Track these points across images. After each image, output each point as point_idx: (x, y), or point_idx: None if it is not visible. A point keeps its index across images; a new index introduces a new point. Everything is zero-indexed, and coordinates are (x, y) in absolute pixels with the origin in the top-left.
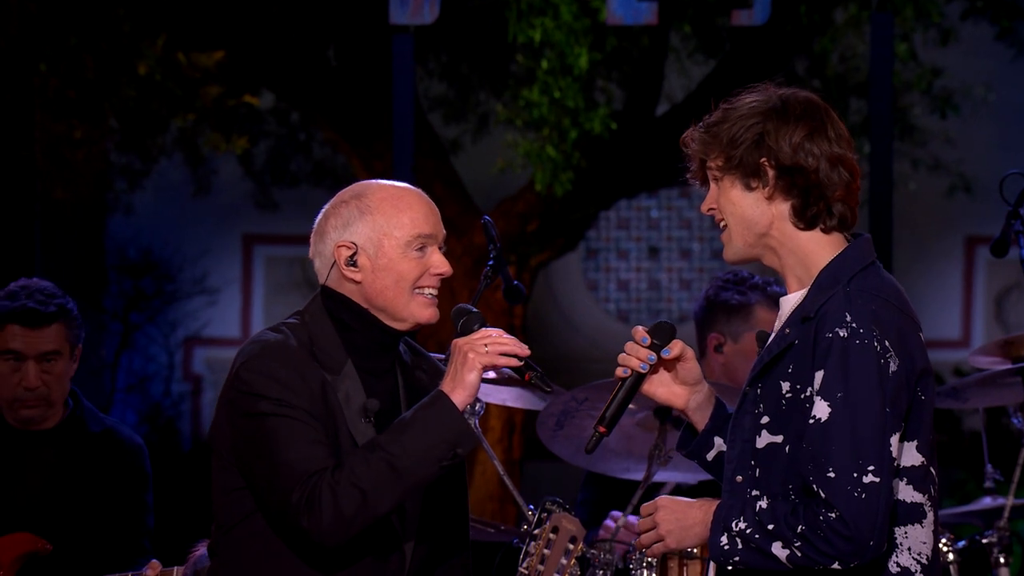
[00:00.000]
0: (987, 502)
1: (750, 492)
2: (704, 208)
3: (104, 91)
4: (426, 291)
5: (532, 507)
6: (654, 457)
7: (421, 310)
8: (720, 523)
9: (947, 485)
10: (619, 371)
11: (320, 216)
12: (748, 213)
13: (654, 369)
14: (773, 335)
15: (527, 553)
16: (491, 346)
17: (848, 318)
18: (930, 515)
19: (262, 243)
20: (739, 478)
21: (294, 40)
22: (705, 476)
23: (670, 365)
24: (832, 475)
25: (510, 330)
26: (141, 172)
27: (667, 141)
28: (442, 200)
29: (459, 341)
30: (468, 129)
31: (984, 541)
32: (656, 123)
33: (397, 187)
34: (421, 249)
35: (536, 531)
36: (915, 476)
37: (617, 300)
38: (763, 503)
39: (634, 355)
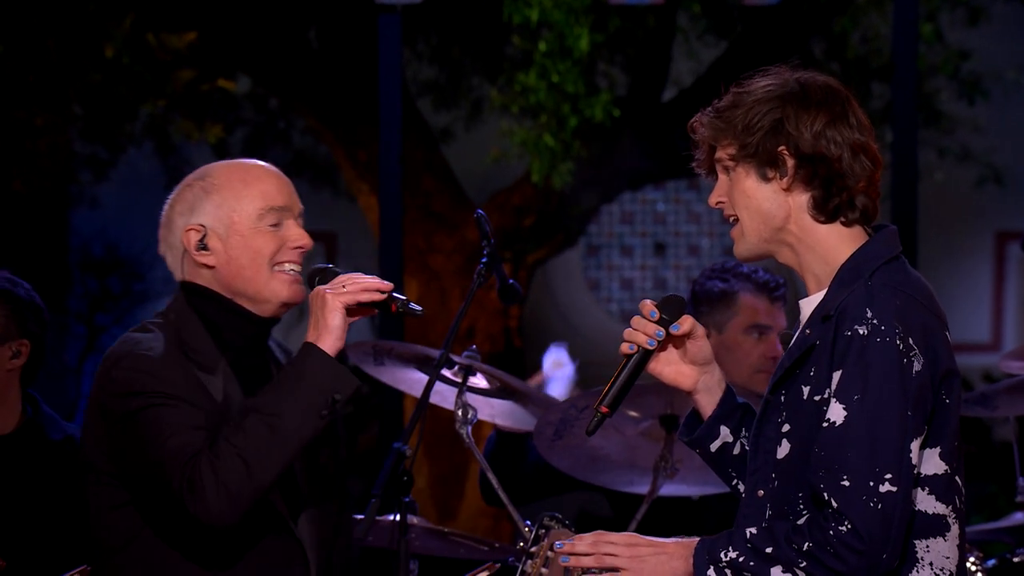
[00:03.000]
0: (1019, 518)
1: (768, 509)
2: (712, 201)
3: (68, 75)
4: (287, 267)
5: (529, 523)
6: (660, 469)
7: (283, 287)
8: (705, 555)
9: (976, 500)
10: (624, 347)
11: (165, 207)
12: (763, 205)
13: (662, 346)
14: (794, 338)
15: (523, 572)
16: (349, 285)
17: (869, 314)
18: (954, 528)
19: None
20: (760, 492)
21: (272, 20)
22: (714, 489)
23: (679, 342)
24: (846, 483)
25: (505, 332)
26: (107, 162)
27: (674, 129)
28: (432, 193)
29: (316, 289)
30: (460, 116)
31: (1016, 560)
32: (662, 110)
33: (243, 162)
34: (276, 224)
35: (533, 549)
36: (938, 485)
37: (620, 300)
38: (753, 529)
39: (641, 330)
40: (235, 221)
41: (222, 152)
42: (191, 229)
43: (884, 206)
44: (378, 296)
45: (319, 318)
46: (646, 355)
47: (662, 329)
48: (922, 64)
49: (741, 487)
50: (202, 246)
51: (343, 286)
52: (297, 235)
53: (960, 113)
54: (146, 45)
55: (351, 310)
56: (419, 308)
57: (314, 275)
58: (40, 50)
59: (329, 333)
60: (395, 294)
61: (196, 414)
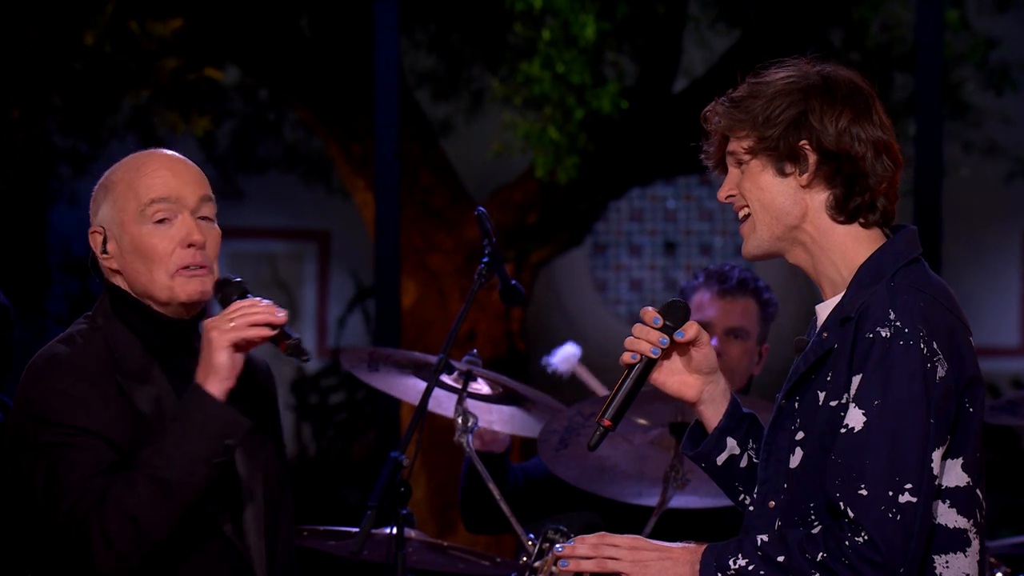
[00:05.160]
0: None
1: (778, 521)
2: (722, 195)
3: (46, 64)
4: (189, 270)
5: (532, 536)
6: (670, 480)
7: (180, 288)
8: (712, 562)
9: (1004, 512)
10: (626, 356)
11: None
12: (779, 202)
13: (666, 355)
14: (810, 342)
15: None
16: (237, 320)
17: (892, 316)
18: (975, 543)
19: (227, 237)
20: (771, 503)
21: (263, 6)
22: (726, 502)
23: (683, 351)
24: (864, 493)
25: (507, 336)
26: (88, 156)
27: (685, 121)
28: (431, 189)
29: (206, 322)
30: (460, 108)
31: None
32: (673, 101)
33: (142, 154)
34: (161, 221)
35: (536, 563)
36: (959, 498)
37: (629, 302)
38: (764, 537)
39: (644, 338)
40: (123, 220)
41: (210, 145)
42: (94, 232)
43: (907, 203)
44: (267, 332)
45: (205, 357)
46: (649, 364)
47: (666, 336)
48: (947, 53)
49: (748, 502)
50: (105, 249)
51: (230, 320)
52: (184, 232)
53: (987, 104)
54: (129, 33)
55: (241, 345)
56: (307, 355)
57: (218, 290)
58: (17, 38)
59: (215, 373)
60: (287, 330)
61: (103, 451)
